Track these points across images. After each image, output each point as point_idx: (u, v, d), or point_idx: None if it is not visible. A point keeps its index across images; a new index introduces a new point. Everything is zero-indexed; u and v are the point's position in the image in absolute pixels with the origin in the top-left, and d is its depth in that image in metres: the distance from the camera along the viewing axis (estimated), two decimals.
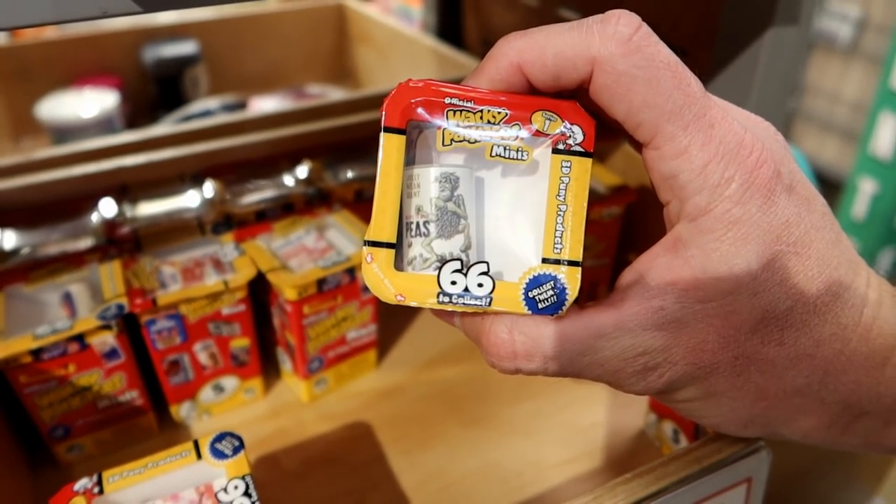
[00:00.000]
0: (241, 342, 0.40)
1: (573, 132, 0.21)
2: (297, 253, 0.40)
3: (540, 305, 0.21)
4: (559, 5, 0.56)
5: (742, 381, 0.22)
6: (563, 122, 0.21)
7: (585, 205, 0.21)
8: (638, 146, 0.22)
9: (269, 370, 0.44)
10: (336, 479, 0.38)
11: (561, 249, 0.21)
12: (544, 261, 0.21)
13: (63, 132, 0.66)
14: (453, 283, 0.21)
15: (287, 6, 0.87)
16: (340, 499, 0.37)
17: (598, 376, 0.22)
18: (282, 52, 0.88)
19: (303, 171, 0.47)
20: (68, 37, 0.77)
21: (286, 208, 0.45)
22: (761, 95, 0.43)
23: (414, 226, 0.21)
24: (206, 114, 0.76)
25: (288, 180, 0.46)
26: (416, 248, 0.21)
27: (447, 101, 0.21)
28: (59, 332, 0.34)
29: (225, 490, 0.27)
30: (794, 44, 0.42)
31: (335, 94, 0.84)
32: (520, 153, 0.21)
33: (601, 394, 0.43)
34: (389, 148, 0.21)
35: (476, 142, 0.21)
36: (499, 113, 0.21)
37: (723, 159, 0.20)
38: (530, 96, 0.21)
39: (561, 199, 0.21)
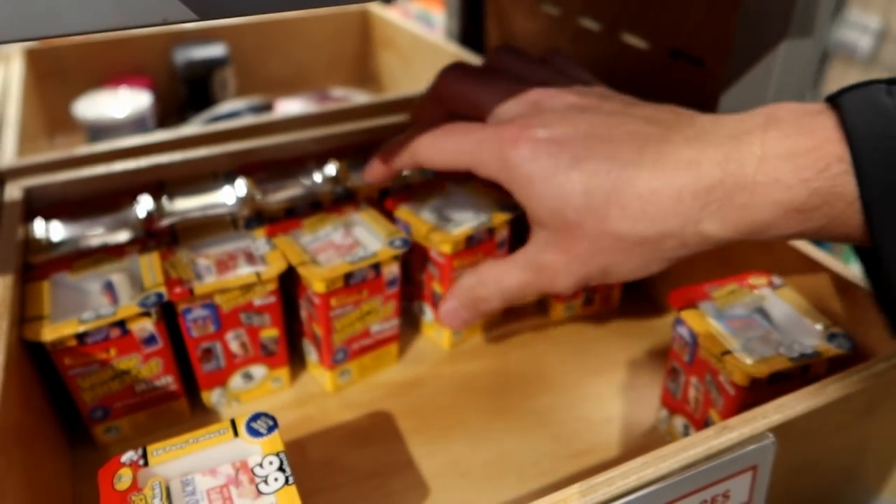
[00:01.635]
0: (270, 332, 0.42)
1: None
2: (326, 248, 0.42)
3: None
4: (579, 14, 0.57)
5: (615, 241, 0.31)
6: None
7: None
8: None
9: (296, 361, 0.46)
10: (359, 466, 0.39)
11: None
12: None
13: (98, 130, 0.68)
14: None
15: (312, 11, 0.89)
16: (363, 483, 0.38)
17: (532, 283, 0.35)
18: (307, 55, 0.90)
19: (331, 170, 0.49)
20: (102, 38, 0.80)
21: (314, 206, 0.47)
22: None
23: None
24: (233, 114, 0.78)
25: (316, 179, 0.48)
26: None
27: None
28: (102, 318, 0.36)
29: (260, 465, 0.29)
30: (808, 56, 0.43)
31: (359, 97, 0.87)
32: None
33: (614, 390, 0.45)
34: None
35: None
36: None
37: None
38: None
39: None
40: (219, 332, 0.40)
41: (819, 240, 0.29)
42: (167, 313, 0.39)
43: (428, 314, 0.48)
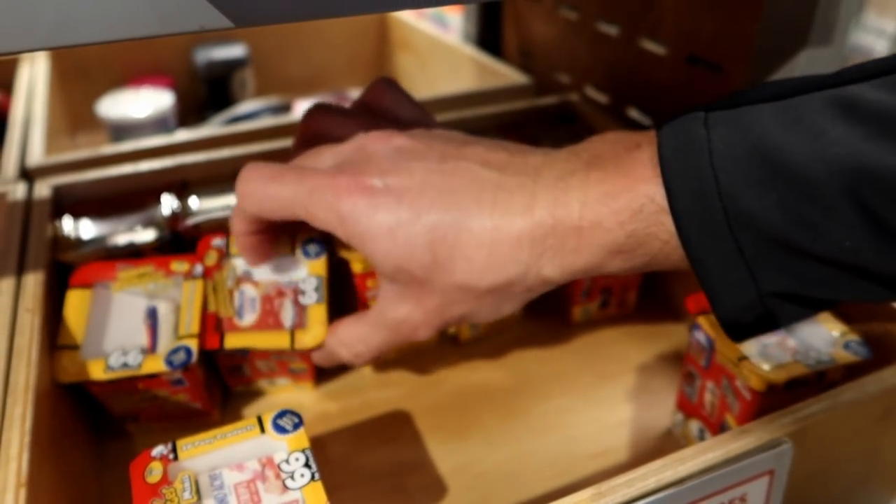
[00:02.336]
0: (299, 365, 0.42)
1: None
2: None
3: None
4: (597, 18, 0.58)
5: (466, 292, 0.31)
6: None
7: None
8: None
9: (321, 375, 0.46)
10: (377, 464, 0.40)
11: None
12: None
13: (121, 129, 0.69)
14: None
15: None
16: (382, 481, 0.39)
17: (401, 337, 0.34)
18: (325, 56, 0.91)
19: None
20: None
21: None
22: None
23: None
24: (252, 115, 0.79)
25: None
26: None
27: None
28: (129, 369, 0.36)
29: (287, 461, 0.29)
30: (827, 64, 0.43)
31: None
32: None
33: (629, 393, 0.45)
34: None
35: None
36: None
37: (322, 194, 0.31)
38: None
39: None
40: (248, 359, 0.41)
41: (650, 271, 0.30)
42: None
43: None
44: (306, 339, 0.38)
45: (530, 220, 0.29)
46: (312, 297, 0.39)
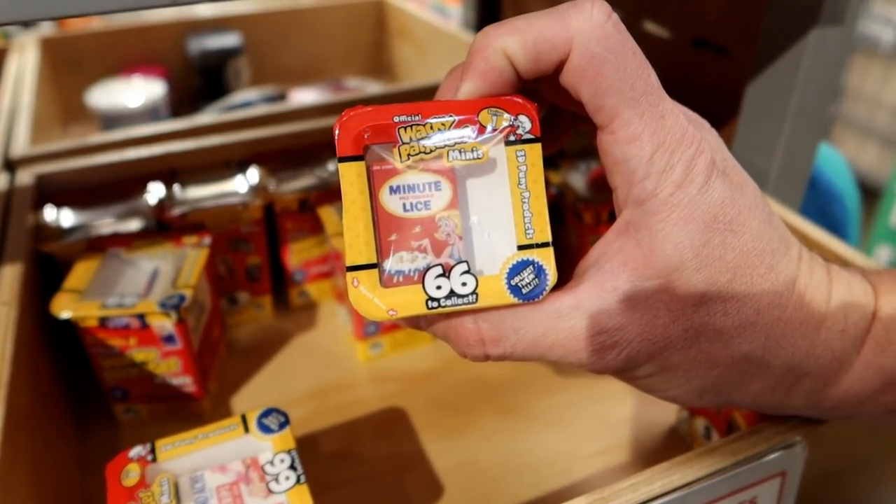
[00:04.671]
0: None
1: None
2: None
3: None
4: None
5: (694, 353, 0.23)
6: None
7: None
8: (594, 129, 0.23)
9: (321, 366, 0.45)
10: (372, 461, 0.39)
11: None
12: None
13: (112, 119, 0.68)
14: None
15: (327, 1, 0.88)
16: (378, 479, 0.38)
17: (561, 357, 0.23)
18: (321, 45, 0.89)
19: None
20: (117, 28, 0.79)
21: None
22: (803, 96, 0.43)
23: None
24: (247, 104, 0.78)
25: (330, 168, 0.47)
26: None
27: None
28: (123, 308, 0.36)
29: (271, 463, 0.28)
30: (837, 45, 0.42)
31: (372, 87, 0.86)
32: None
33: (633, 389, 0.43)
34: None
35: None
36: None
37: (668, 148, 0.21)
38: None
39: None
40: None
41: None
42: None
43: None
44: None
45: None
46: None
